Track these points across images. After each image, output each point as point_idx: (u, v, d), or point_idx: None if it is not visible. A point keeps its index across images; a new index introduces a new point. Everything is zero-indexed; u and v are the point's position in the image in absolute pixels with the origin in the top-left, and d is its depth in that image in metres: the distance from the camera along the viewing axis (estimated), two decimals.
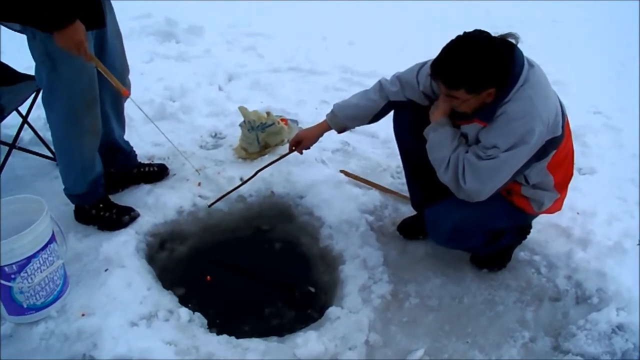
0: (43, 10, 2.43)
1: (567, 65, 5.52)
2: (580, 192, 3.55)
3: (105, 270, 2.86)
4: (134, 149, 3.57)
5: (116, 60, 3.05)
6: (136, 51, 4.16)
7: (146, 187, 3.46)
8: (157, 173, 3.54)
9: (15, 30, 2.81)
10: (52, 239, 2.66)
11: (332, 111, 3.08)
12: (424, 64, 2.81)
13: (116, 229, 3.12)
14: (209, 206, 3.36)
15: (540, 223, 3.21)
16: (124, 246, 3.01)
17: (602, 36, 6.86)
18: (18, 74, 3.66)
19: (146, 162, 3.63)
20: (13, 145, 3.46)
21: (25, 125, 3.58)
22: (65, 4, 2.43)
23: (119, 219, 3.14)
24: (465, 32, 2.44)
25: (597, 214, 3.42)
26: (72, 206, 3.20)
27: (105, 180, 3.21)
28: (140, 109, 3.30)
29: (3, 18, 2.64)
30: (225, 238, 3.36)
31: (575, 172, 2.89)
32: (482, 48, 2.37)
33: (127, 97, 3.06)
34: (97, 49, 2.82)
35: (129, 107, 3.41)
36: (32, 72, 3.20)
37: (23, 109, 3.54)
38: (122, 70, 3.12)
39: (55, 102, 2.83)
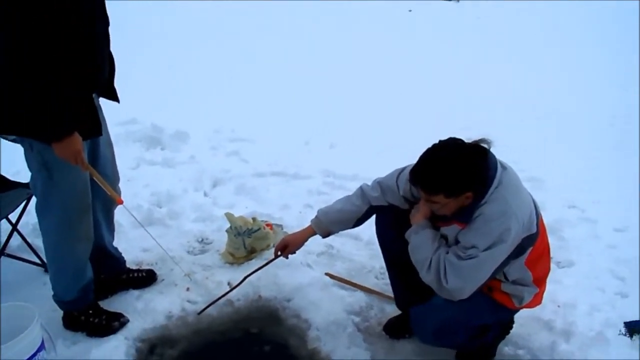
0: (43, 123, 2.53)
1: (540, 162, 5.73)
2: (560, 284, 3.64)
3: None
4: (123, 254, 3.61)
5: (108, 169, 3.14)
6: (123, 157, 4.25)
7: (135, 292, 3.48)
8: (146, 278, 3.57)
9: (9, 140, 2.90)
10: (42, 347, 2.67)
11: (316, 217, 3.18)
12: (403, 169, 2.95)
13: (106, 335, 3.12)
14: (198, 314, 3.38)
15: (523, 317, 3.25)
16: (114, 352, 3.01)
17: (569, 131, 7.11)
18: (8, 182, 3.73)
19: (135, 267, 3.66)
20: (2, 252, 3.49)
21: (14, 232, 3.62)
22: (65, 116, 2.54)
23: (108, 325, 3.15)
24: (440, 140, 2.59)
25: (578, 305, 3.49)
26: (61, 312, 3.20)
27: (94, 286, 3.23)
28: (133, 215, 3.40)
29: (2, 130, 2.72)
30: (215, 341, 3.35)
31: (554, 265, 2.99)
32: (457, 155, 2.51)
33: (121, 204, 3.12)
34: (89, 157, 2.91)
35: (117, 213, 3.48)
36: (20, 178, 3.28)
37: (12, 215, 3.59)
38: (113, 178, 3.21)
39: (50, 210, 2.89)
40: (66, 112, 2.55)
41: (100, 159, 3.07)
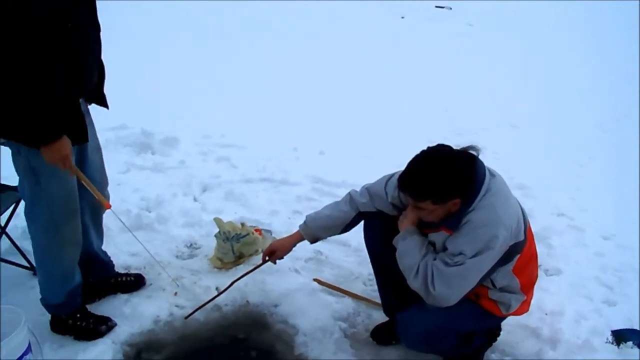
0: (31, 127, 2.53)
1: (529, 169, 5.74)
2: (547, 292, 3.67)
3: None
4: (112, 258, 3.60)
5: (96, 174, 3.14)
6: (113, 162, 4.25)
7: (123, 296, 3.48)
8: (134, 283, 3.57)
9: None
10: (28, 350, 2.67)
11: (304, 222, 3.20)
12: (392, 175, 2.96)
13: (93, 338, 3.12)
14: (186, 318, 3.38)
15: (510, 324, 3.27)
16: (100, 356, 3.01)
17: (558, 139, 7.16)
18: None
19: (123, 272, 3.66)
20: None
21: (2, 235, 3.61)
22: (53, 120, 2.54)
23: (96, 328, 3.15)
24: (429, 147, 2.61)
25: (565, 313, 3.52)
26: (48, 316, 3.19)
27: (82, 289, 3.23)
28: (120, 220, 3.39)
29: None
30: (202, 347, 3.34)
31: (541, 273, 3.00)
32: (446, 162, 2.53)
33: (109, 209, 3.14)
34: (77, 162, 2.90)
35: (105, 217, 3.47)
36: (9, 182, 3.27)
37: (2, 218, 3.57)
38: (101, 183, 3.20)
39: (38, 214, 2.89)
40: (55, 116, 2.55)
41: (88, 163, 3.07)
